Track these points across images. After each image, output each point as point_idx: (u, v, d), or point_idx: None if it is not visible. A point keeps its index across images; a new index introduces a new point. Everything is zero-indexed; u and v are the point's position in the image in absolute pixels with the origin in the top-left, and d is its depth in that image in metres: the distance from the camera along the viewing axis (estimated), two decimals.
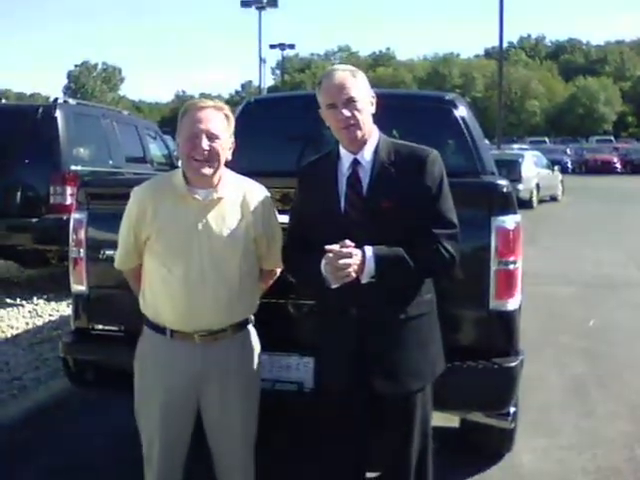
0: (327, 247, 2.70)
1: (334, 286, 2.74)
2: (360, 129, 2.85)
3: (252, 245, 3.03)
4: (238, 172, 3.11)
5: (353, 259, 2.69)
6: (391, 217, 2.79)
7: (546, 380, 5.88)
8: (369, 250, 2.73)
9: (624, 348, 6.93)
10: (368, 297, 2.80)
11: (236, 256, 2.96)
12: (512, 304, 3.47)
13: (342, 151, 2.94)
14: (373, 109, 2.93)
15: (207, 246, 2.90)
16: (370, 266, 2.72)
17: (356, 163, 2.90)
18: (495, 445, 4.35)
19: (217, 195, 2.93)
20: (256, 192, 3.07)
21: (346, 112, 2.82)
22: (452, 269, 2.89)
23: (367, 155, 2.90)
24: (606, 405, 5.38)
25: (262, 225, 3.04)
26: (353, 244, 2.72)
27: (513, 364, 3.45)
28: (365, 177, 2.88)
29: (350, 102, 2.83)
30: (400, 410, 2.96)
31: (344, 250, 2.69)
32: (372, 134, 2.93)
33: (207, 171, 2.88)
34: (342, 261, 2.68)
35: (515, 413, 3.87)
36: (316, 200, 2.96)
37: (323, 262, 2.73)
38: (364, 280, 2.75)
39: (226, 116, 2.95)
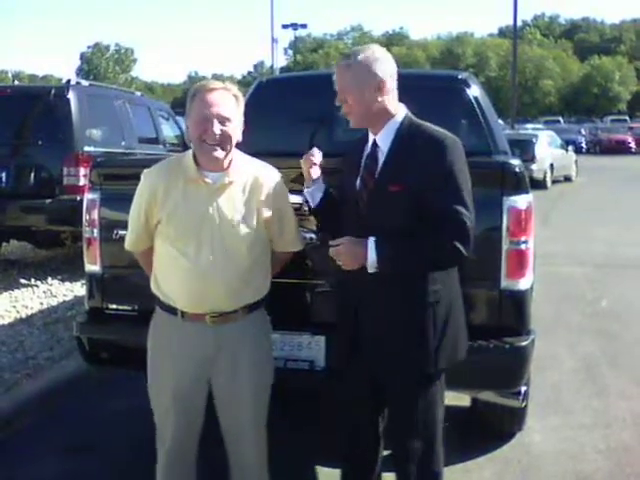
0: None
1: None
2: (354, 116, 2.91)
3: (263, 228, 3.03)
4: (250, 152, 3.12)
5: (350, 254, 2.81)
6: (399, 201, 2.79)
7: (558, 360, 5.89)
8: (371, 244, 2.76)
9: (636, 328, 6.92)
10: (369, 281, 2.83)
11: (247, 240, 2.96)
12: (523, 284, 3.47)
13: (369, 133, 2.98)
14: (383, 93, 2.88)
15: (217, 230, 2.91)
16: (372, 259, 2.75)
17: (375, 145, 2.93)
18: (506, 424, 4.36)
19: (228, 179, 2.94)
20: (267, 175, 3.07)
21: (337, 102, 2.91)
22: (460, 264, 2.90)
23: (385, 137, 2.91)
24: (617, 384, 5.39)
25: (273, 208, 3.03)
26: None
27: (524, 343, 3.45)
28: (381, 159, 2.90)
29: (341, 93, 2.89)
30: (399, 397, 2.98)
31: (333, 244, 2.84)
32: (396, 114, 2.93)
33: (219, 154, 2.88)
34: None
35: (526, 392, 3.88)
36: (345, 180, 3.03)
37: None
38: (370, 270, 2.79)
39: (235, 97, 2.94)
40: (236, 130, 2.93)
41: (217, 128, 2.85)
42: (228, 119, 2.88)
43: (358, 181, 2.92)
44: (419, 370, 2.91)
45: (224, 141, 2.87)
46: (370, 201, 2.85)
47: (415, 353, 2.88)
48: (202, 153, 2.91)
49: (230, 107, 2.90)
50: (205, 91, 2.89)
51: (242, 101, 2.99)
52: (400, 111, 2.96)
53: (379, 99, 2.88)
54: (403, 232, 2.77)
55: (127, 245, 3.16)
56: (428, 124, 2.94)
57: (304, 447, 4.22)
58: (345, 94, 2.87)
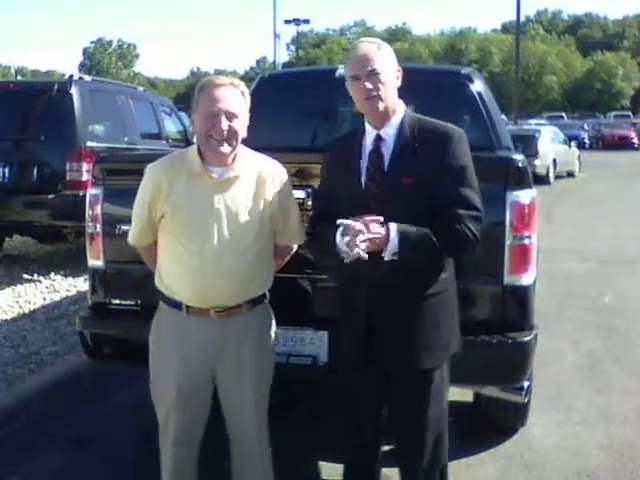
0: (339, 221, 2.72)
1: (347, 260, 2.74)
2: (382, 101, 2.86)
3: (268, 222, 3.03)
4: (252, 147, 3.11)
5: (372, 234, 2.69)
6: (411, 193, 2.79)
7: (561, 355, 5.89)
8: (393, 228, 2.72)
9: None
10: (381, 272, 2.80)
11: (252, 234, 2.96)
12: (526, 279, 3.47)
13: (367, 127, 2.97)
14: (398, 83, 2.94)
15: (223, 224, 2.91)
16: (394, 244, 2.72)
17: (379, 139, 2.92)
18: (509, 419, 4.35)
19: (233, 173, 2.94)
20: (271, 169, 3.07)
21: (368, 84, 2.84)
22: (473, 250, 2.89)
23: (390, 131, 2.91)
24: (620, 381, 5.38)
25: (278, 202, 3.03)
26: (380, 218, 2.71)
27: (527, 338, 3.45)
28: (387, 153, 2.89)
29: (373, 74, 2.84)
30: (409, 388, 2.96)
31: (357, 226, 2.68)
32: (397, 109, 2.94)
33: (226, 150, 2.88)
34: (360, 237, 2.67)
35: (529, 388, 3.89)
36: (340, 175, 2.99)
37: (337, 236, 2.74)
38: (387, 257, 2.75)
39: (242, 93, 2.95)
40: (242, 126, 2.93)
41: (225, 124, 2.85)
42: (235, 115, 2.88)
43: (364, 177, 2.90)
44: (430, 357, 2.91)
45: (231, 137, 2.88)
46: (381, 195, 2.83)
47: (427, 341, 2.89)
48: (209, 149, 2.91)
49: (238, 103, 2.91)
50: (212, 87, 2.89)
51: (248, 97, 2.99)
52: (400, 106, 2.97)
53: (395, 87, 2.92)
54: (417, 224, 2.76)
55: (130, 240, 3.16)
56: (428, 118, 2.96)
57: (307, 441, 4.22)
58: (380, 73, 2.84)
